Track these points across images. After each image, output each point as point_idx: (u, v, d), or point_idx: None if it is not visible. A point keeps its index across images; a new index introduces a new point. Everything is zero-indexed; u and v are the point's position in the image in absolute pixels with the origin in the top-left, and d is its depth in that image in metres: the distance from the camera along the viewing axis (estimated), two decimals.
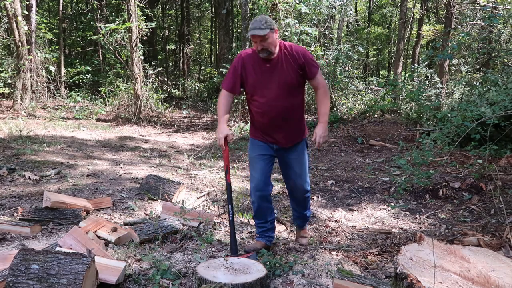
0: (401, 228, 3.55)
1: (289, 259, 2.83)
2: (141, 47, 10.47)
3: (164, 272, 2.52)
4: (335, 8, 12.26)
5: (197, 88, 16.81)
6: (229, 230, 2.91)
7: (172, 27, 22.63)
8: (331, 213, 3.99)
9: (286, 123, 2.85)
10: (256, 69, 2.75)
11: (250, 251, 2.85)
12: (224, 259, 2.40)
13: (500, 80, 6.44)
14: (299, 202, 3.09)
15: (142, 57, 10.71)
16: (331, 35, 14.00)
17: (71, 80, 15.02)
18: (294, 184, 2.99)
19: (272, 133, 2.87)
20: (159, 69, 12.49)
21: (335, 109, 11.04)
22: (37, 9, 12.30)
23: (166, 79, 19.02)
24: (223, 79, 2.86)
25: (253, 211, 3.00)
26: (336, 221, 3.76)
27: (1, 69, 12.13)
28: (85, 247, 2.64)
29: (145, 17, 11.45)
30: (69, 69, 15.31)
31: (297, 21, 10.40)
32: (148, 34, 10.85)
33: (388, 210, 4.08)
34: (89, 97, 13.07)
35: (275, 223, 3.23)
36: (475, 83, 8.33)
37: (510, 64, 8.66)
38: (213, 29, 21.82)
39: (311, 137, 2.92)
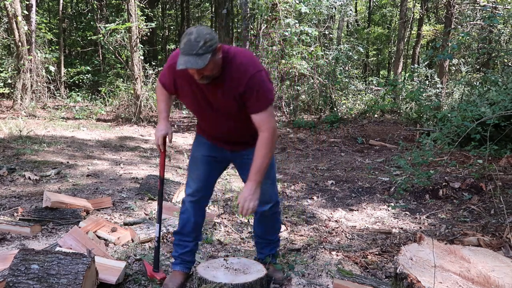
0: (401, 228, 3.55)
1: (289, 259, 2.83)
2: (141, 47, 10.47)
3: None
4: (335, 8, 12.26)
5: None
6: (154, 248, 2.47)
7: (172, 27, 22.63)
8: (331, 213, 3.99)
9: (236, 142, 2.27)
10: (192, 86, 2.06)
11: None
12: (224, 259, 2.40)
13: (500, 80, 6.44)
14: (262, 217, 2.42)
15: (142, 57, 10.70)
16: (331, 35, 14.00)
17: (71, 80, 15.03)
18: None
19: (220, 143, 2.32)
20: (159, 69, 12.47)
21: (335, 109, 11.04)
22: (37, 9, 12.30)
23: None
24: (162, 72, 2.25)
25: (179, 223, 2.42)
26: (336, 221, 3.76)
27: (1, 69, 12.13)
28: (85, 247, 2.64)
29: (145, 17, 11.45)
30: (69, 69, 15.31)
31: (297, 21, 10.40)
32: (148, 34, 10.85)
33: (388, 210, 4.08)
34: (89, 97, 13.07)
35: None
36: (475, 83, 8.33)
37: (510, 64, 8.66)
38: (213, 29, 21.80)
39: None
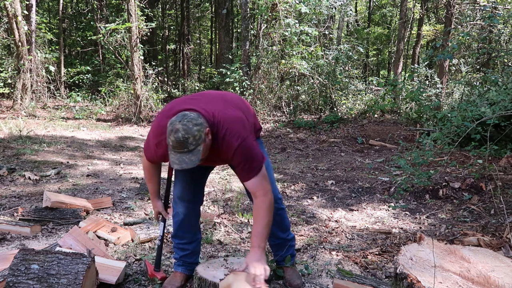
0: (401, 228, 3.55)
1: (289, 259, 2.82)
2: (141, 47, 10.47)
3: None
4: (335, 8, 12.27)
5: (197, 88, 16.82)
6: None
7: (172, 27, 22.63)
8: (331, 213, 3.99)
9: None
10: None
11: None
12: (224, 259, 2.40)
13: (500, 80, 6.44)
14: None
15: (142, 57, 10.71)
16: (331, 35, 14.00)
17: (71, 80, 15.03)
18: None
19: None
20: (159, 69, 12.48)
21: (335, 109, 11.04)
22: (37, 9, 12.31)
23: (166, 79, 19.01)
24: (145, 144, 2.16)
25: (173, 227, 2.41)
26: (336, 221, 3.76)
27: (1, 69, 12.14)
28: (85, 247, 2.64)
29: (145, 17, 11.45)
30: (69, 69, 15.32)
31: (297, 21, 10.40)
32: (148, 34, 10.85)
33: (388, 210, 4.08)
34: (89, 97, 13.08)
35: None
36: (475, 83, 8.33)
37: (510, 64, 8.66)
38: (213, 29, 21.82)
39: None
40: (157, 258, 2.48)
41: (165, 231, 3.19)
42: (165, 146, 1.94)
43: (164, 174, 2.60)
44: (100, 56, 16.28)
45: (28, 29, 10.71)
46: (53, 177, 4.89)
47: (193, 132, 1.78)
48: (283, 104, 11.39)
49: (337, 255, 2.93)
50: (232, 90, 10.18)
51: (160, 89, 12.46)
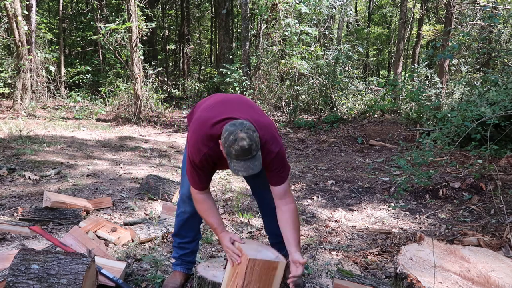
0: (401, 228, 3.55)
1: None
2: (141, 47, 10.47)
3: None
4: (335, 8, 12.27)
5: (197, 88, 16.84)
6: None
7: (172, 27, 22.63)
8: (331, 213, 3.99)
9: None
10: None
11: None
12: (224, 259, 2.40)
13: (500, 80, 6.44)
14: (274, 218, 2.28)
15: (142, 57, 10.70)
16: (331, 35, 14.00)
17: (71, 80, 15.03)
18: (261, 197, 2.40)
19: None
20: (159, 69, 12.48)
21: (335, 109, 11.04)
22: (37, 9, 12.31)
23: (166, 79, 19.02)
24: (191, 179, 2.10)
25: (176, 226, 2.42)
26: (336, 221, 3.76)
27: (1, 69, 12.14)
28: (85, 247, 2.64)
29: (145, 17, 11.45)
30: (69, 69, 15.32)
31: (297, 21, 10.40)
32: (148, 34, 10.85)
33: (388, 210, 4.08)
34: (89, 97, 13.08)
35: None
36: (475, 83, 8.33)
37: (510, 64, 8.66)
38: (213, 29, 21.82)
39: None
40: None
41: (165, 231, 3.19)
42: (217, 152, 1.96)
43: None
44: (100, 56, 16.28)
45: (28, 29, 10.71)
46: (53, 177, 4.89)
47: (255, 139, 1.84)
48: (283, 104, 11.39)
49: (337, 255, 2.93)
50: (232, 90, 10.18)
51: (160, 89, 12.46)
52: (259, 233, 3.31)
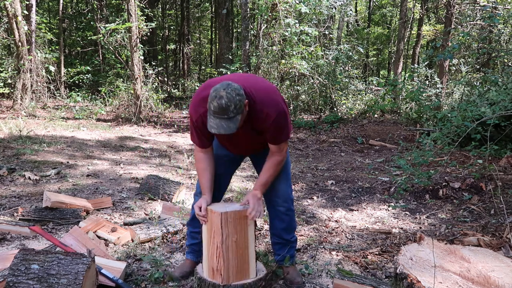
0: (401, 228, 3.55)
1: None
2: (141, 47, 10.47)
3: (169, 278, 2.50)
4: (335, 8, 12.26)
5: (197, 88, 16.81)
6: None
7: (172, 27, 22.63)
8: (331, 213, 3.99)
9: (256, 149, 2.39)
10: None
11: (178, 276, 2.45)
12: None
13: (500, 80, 6.44)
14: (278, 215, 2.42)
15: (142, 57, 10.71)
16: (331, 35, 14.00)
17: (71, 80, 15.04)
18: (272, 187, 2.39)
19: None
20: (159, 69, 12.48)
21: (335, 109, 11.04)
22: (37, 9, 12.31)
23: (166, 79, 19.02)
24: (192, 138, 2.25)
25: (190, 215, 2.54)
26: (336, 221, 3.76)
27: (1, 69, 12.14)
28: (85, 247, 2.64)
29: (145, 17, 11.45)
30: (69, 69, 15.32)
31: (297, 21, 10.40)
32: (148, 34, 10.85)
33: (388, 210, 4.08)
34: (89, 97, 13.08)
35: None
36: (475, 83, 8.33)
37: (510, 64, 8.66)
38: (213, 29, 21.83)
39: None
40: None
41: (165, 231, 3.19)
42: (201, 126, 2.11)
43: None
44: (100, 56, 16.28)
45: (28, 29, 10.71)
46: (53, 177, 4.88)
47: (235, 101, 1.88)
48: None
49: (337, 255, 2.93)
50: None
51: (160, 89, 12.46)
52: (259, 233, 3.31)
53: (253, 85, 2.06)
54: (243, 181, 5.21)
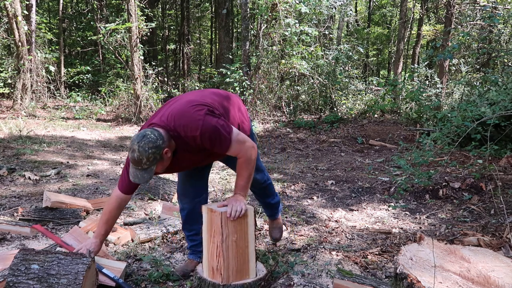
0: (401, 228, 3.55)
1: (289, 259, 2.83)
2: (141, 47, 10.47)
3: (167, 276, 2.51)
4: (335, 8, 12.26)
5: (197, 88, 16.81)
6: None
7: (172, 27, 22.62)
8: (331, 213, 3.99)
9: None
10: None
11: (181, 273, 2.51)
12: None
13: (500, 80, 6.44)
14: (259, 193, 2.80)
15: (142, 57, 10.70)
16: (331, 35, 14.00)
17: (71, 80, 15.03)
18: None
19: None
20: (159, 69, 12.48)
21: (335, 109, 11.04)
22: (37, 9, 12.30)
23: (166, 79, 19.01)
24: (120, 177, 2.30)
25: (182, 220, 2.62)
26: (336, 221, 3.76)
27: (1, 69, 12.14)
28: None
29: (145, 17, 11.45)
30: (69, 69, 15.32)
31: (297, 21, 10.40)
32: (148, 34, 10.85)
33: (388, 210, 4.08)
34: (89, 97, 13.08)
35: None
36: (475, 83, 8.33)
37: (510, 64, 8.66)
38: (213, 29, 21.82)
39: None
40: None
41: (165, 231, 3.19)
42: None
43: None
44: (100, 56, 16.28)
45: (28, 29, 10.71)
46: (53, 177, 4.88)
47: (147, 154, 1.97)
48: (283, 104, 11.38)
49: (337, 255, 2.93)
50: (232, 90, 10.17)
51: (160, 89, 12.46)
52: (259, 233, 3.31)
53: (175, 118, 2.09)
54: None
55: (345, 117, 10.40)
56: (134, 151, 1.98)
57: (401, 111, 10.59)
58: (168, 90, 16.50)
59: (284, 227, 3.51)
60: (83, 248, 2.29)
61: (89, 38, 15.63)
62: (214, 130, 2.06)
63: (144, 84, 10.66)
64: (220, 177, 5.29)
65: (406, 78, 11.23)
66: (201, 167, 2.51)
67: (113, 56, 13.54)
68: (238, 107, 2.40)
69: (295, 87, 11.60)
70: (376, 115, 10.56)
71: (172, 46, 18.89)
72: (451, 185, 4.38)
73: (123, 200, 2.30)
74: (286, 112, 11.19)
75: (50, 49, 13.29)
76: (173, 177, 5.16)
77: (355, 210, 4.09)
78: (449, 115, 5.16)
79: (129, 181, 2.21)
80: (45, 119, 9.88)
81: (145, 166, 2.00)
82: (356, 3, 21.44)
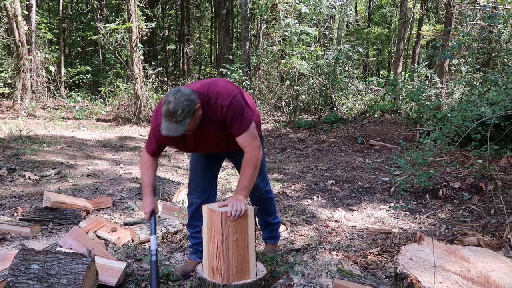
0: (401, 228, 3.55)
1: (289, 259, 2.83)
2: (141, 47, 10.47)
3: (167, 276, 2.51)
4: (335, 8, 12.26)
5: None
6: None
7: (172, 27, 22.62)
8: (331, 213, 3.99)
9: (231, 150, 2.43)
10: (181, 138, 2.23)
11: (181, 273, 2.51)
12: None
13: (500, 80, 6.44)
14: (259, 206, 2.71)
15: (142, 57, 10.70)
16: (331, 35, 13.99)
17: (71, 80, 15.03)
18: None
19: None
20: (159, 69, 12.47)
21: (335, 109, 11.04)
22: (37, 9, 12.30)
23: (166, 79, 19.00)
24: (146, 142, 2.38)
25: (188, 216, 2.64)
26: (336, 221, 3.76)
27: (1, 69, 12.13)
28: (85, 247, 2.64)
29: (145, 17, 11.45)
30: (69, 69, 15.31)
31: (297, 21, 10.40)
32: (148, 34, 10.85)
33: (388, 210, 4.08)
34: (89, 97, 13.08)
35: None
36: (475, 83, 8.32)
37: (510, 64, 8.66)
38: (213, 29, 21.81)
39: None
40: (152, 278, 2.16)
41: (165, 231, 3.19)
42: (160, 140, 2.26)
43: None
44: (100, 56, 16.27)
45: (28, 29, 10.70)
46: (53, 177, 4.88)
47: (183, 106, 2.01)
48: (283, 104, 11.38)
49: (337, 255, 2.93)
50: None
51: (160, 89, 12.46)
52: (259, 233, 3.31)
53: (210, 86, 2.20)
54: None
55: (345, 117, 10.39)
56: (169, 103, 2.00)
57: (401, 111, 10.59)
58: (168, 90, 16.48)
59: (284, 227, 3.51)
60: (150, 209, 2.35)
61: (89, 38, 15.63)
62: (240, 109, 2.16)
63: (144, 84, 10.66)
64: (220, 177, 5.29)
65: (406, 78, 11.23)
66: (212, 164, 2.56)
67: (113, 56, 13.53)
68: (253, 106, 2.45)
69: (295, 87, 11.60)
70: (376, 115, 10.56)
71: (172, 46, 18.89)
72: (451, 185, 4.37)
73: (154, 160, 2.39)
74: (286, 112, 11.19)
75: (50, 49, 13.29)
76: (173, 177, 5.16)
77: (355, 210, 4.09)
78: (449, 115, 5.16)
79: (156, 145, 2.30)
80: (45, 119, 9.88)
81: (179, 119, 2.01)
82: (356, 3, 21.43)
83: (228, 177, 5.28)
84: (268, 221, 2.81)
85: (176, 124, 2.02)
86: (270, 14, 10.29)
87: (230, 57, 12.34)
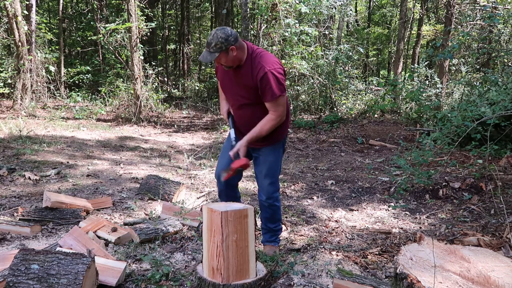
0: (401, 228, 3.55)
1: (289, 259, 2.83)
2: (141, 47, 10.47)
3: (167, 276, 2.51)
4: (335, 8, 12.26)
5: (197, 88, 16.82)
6: None
7: (172, 27, 22.62)
8: (331, 213, 3.99)
9: (247, 131, 2.63)
10: (224, 72, 2.64)
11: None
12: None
13: (500, 80, 6.44)
14: (263, 207, 2.82)
15: (142, 57, 10.70)
16: (331, 35, 13.99)
17: (71, 80, 15.03)
18: (260, 183, 2.80)
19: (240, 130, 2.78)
20: (159, 69, 12.48)
21: (335, 109, 11.04)
22: (37, 9, 12.30)
23: (166, 79, 19.01)
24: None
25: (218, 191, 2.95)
26: (336, 221, 3.76)
27: (1, 69, 12.13)
28: (85, 247, 2.64)
29: (145, 17, 11.45)
30: (69, 69, 15.31)
31: (297, 21, 10.40)
32: (148, 34, 10.85)
33: (388, 210, 4.08)
34: (89, 97, 13.08)
35: None
36: (475, 83, 8.32)
37: (510, 64, 8.66)
38: (213, 29, 21.80)
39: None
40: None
41: (165, 230, 3.18)
42: (221, 68, 2.65)
43: None
44: (100, 56, 16.27)
45: (28, 29, 10.70)
46: (53, 177, 4.88)
47: (218, 40, 2.36)
48: None
49: (337, 255, 2.93)
50: None
51: (160, 89, 12.46)
52: (259, 233, 3.31)
53: (262, 50, 2.54)
54: (243, 181, 5.21)
55: (345, 117, 10.39)
56: (210, 35, 2.38)
57: (401, 111, 10.59)
58: (168, 90, 16.50)
59: (284, 227, 3.51)
60: (227, 108, 2.81)
61: (89, 38, 15.62)
62: (276, 79, 2.44)
63: (144, 84, 10.66)
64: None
65: (406, 78, 11.23)
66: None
67: (113, 56, 13.53)
68: (284, 87, 2.71)
69: (295, 87, 11.60)
70: (376, 115, 10.56)
71: (172, 46, 18.88)
72: (451, 185, 4.38)
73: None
74: None
75: (50, 49, 13.29)
76: (173, 177, 5.16)
77: (355, 210, 4.09)
78: (449, 115, 5.16)
79: (220, 84, 2.75)
80: (45, 119, 9.88)
81: (211, 50, 2.37)
82: (356, 3, 21.43)
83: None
84: (270, 228, 2.90)
85: (208, 53, 2.38)
86: (270, 14, 10.29)
87: None
